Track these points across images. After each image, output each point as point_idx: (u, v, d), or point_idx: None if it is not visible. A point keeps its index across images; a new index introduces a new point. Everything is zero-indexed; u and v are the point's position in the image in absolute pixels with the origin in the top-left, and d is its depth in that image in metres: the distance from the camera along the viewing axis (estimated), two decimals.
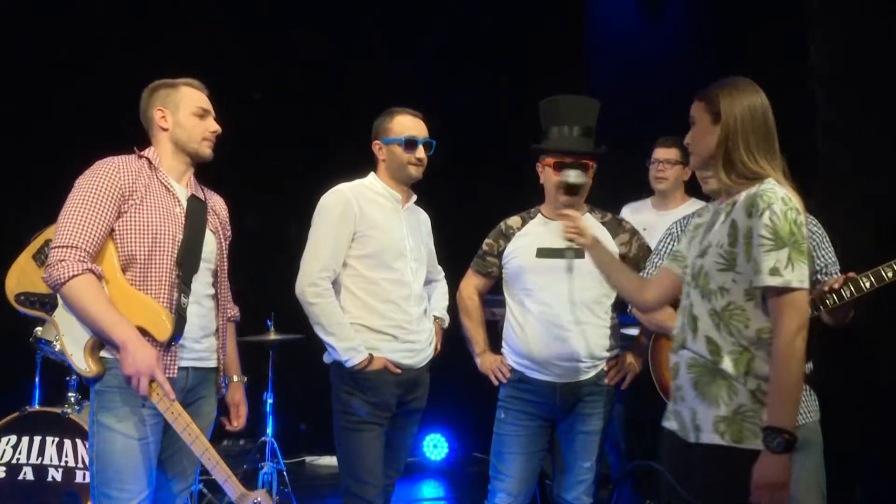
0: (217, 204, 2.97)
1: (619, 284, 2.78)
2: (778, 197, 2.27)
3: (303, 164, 5.78)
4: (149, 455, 2.66)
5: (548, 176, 3.25)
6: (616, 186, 4.27)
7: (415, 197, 3.41)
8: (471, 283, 3.46)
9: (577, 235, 2.76)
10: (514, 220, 3.38)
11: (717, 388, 2.30)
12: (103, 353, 2.64)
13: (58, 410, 4.16)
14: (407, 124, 3.26)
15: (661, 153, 4.16)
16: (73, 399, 4.24)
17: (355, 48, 6.09)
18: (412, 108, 3.32)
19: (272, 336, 4.77)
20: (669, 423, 2.48)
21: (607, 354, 3.29)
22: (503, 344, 3.37)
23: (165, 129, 2.79)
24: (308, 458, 6.28)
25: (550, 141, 3.21)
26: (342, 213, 3.13)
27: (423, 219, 3.47)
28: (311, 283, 3.09)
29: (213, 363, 2.85)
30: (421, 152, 3.25)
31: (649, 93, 4.71)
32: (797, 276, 2.24)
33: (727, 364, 2.28)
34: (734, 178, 2.34)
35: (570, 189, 3.02)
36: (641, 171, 4.12)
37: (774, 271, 2.23)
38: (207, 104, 2.86)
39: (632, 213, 4.19)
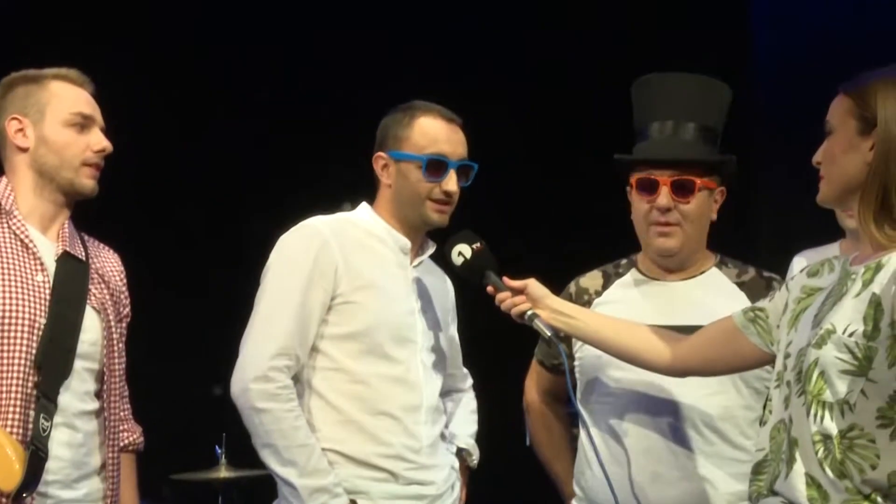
0: (106, 265, 2.45)
1: (620, 348, 2.30)
2: None
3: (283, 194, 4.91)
4: None
5: (635, 204, 2.46)
6: (787, 225, 3.55)
7: (433, 247, 2.58)
8: (536, 384, 2.68)
9: (511, 306, 2.29)
10: (590, 280, 2.57)
11: None
12: None
13: None
14: (435, 133, 2.46)
15: None
16: None
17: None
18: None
19: (223, 473, 4.03)
20: None
21: None
22: (574, 487, 2.56)
23: (24, 150, 2.33)
24: None
25: (639, 147, 2.46)
26: (315, 262, 2.39)
27: (444, 286, 2.64)
28: (259, 375, 2.35)
29: None
30: (451, 182, 2.44)
31: (837, 82, 3.90)
32: None
33: None
34: (888, 230, 1.94)
35: (461, 271, 2.39)
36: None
37: None
38: (91, 107, 2.36)
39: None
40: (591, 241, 3.27)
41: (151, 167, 4.81)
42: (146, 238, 4.57)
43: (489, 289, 2.36)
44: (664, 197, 2.36)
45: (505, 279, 2.32)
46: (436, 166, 2.45)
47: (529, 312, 2.28)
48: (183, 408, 4.15)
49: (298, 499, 2.34)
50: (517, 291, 2.31)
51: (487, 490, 2.84)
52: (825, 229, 3.35)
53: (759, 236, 4.06)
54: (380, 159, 2.49)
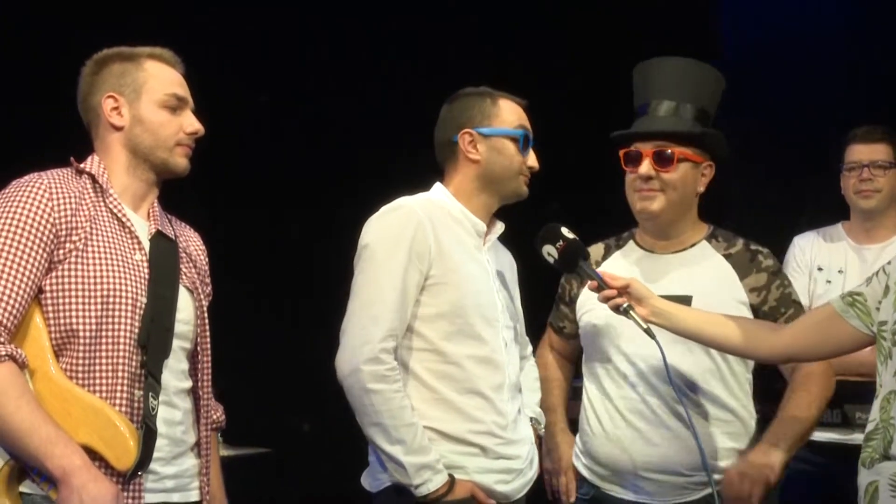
0: (190, 243, 2.37)
1: (723, 341, 2.34)
2: None
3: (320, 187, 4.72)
4: None
5: (626, 176, 2.55)
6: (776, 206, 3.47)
7: (501, 228, 2.57)
8: (546, 343, 2.83)
9: (607, 299, 2.33)
10: (594, 250, 2.65)
11: None
12: (24, 489, 2.08)
13: None
14: (518, 112, 2.50)
15: (863, 152, 3.17)
16: None
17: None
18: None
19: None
20: None
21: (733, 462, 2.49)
22: (576, 441, 2.68)
23: (119, 129, 2.20)
24: None
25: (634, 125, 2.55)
26: (413, 242, 2.33)
27: (509, 260, 2.66)
28: (370, 357, 2.28)
29: (192, 496, 2.24)
30: (534, 159, 2.49)
31: (818, 65, 3.79)
32: None
33: None
34: None
35: (556, 268, 2.44)
36: (813, 184, 3.24)
37: None
38: (183, 89, 2.25)
39: (814, 249, 3.27)
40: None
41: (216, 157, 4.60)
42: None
43: (590, 284, 2.36)
44: (646, 166, 2.44)
45: (607, 277, 2.33)
46: (527, 142, 2.48)
47: (625, 305, 2.31)
48: None
49: (405, 475, 2.30)
50: (620, 290, 2.32)
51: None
52: (784, 223, 3.38)
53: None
54: (467, 135, 2.44)
